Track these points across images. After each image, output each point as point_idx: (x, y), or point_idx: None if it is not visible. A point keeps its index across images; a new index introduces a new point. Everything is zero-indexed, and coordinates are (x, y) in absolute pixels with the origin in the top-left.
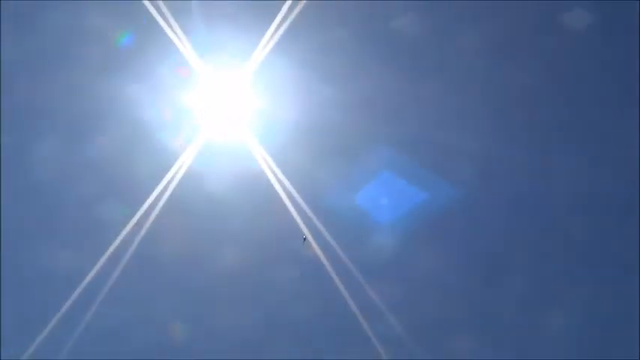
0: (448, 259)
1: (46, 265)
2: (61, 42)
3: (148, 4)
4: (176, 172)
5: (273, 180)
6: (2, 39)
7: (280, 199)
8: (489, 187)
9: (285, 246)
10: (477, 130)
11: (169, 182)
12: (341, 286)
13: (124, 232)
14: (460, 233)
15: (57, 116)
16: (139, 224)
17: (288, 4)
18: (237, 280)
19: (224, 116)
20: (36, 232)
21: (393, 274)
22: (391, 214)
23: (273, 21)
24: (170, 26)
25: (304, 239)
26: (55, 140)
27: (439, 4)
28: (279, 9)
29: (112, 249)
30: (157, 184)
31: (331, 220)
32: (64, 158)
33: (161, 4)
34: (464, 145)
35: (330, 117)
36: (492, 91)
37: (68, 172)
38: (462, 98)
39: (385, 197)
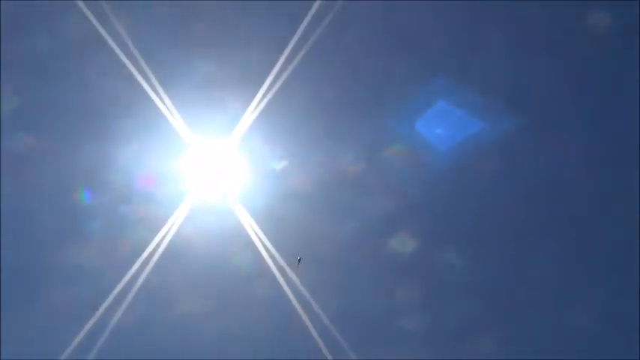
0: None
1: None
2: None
3: (136, 73)
4: (163, 237)
5: (258, 244)
6: None
7: (266, 264)
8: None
9: (273, 309)
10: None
11: (156, 247)
12: None
13: (112, 296)
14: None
15: (43, 176)
16: (127, 288)
17: (273, 74)
18: (225, 344)
19: (211, 182)
20: (19, 307)
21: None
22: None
23: (259, 88)
24: (159, 96)
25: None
26: (44, 202)
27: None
28: (265, 78)
29: (99, 313)
30: (144, 249)
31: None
32: (52, 221)
33: (150, 73)
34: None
35: (314, 183)
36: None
37: (60, 237)
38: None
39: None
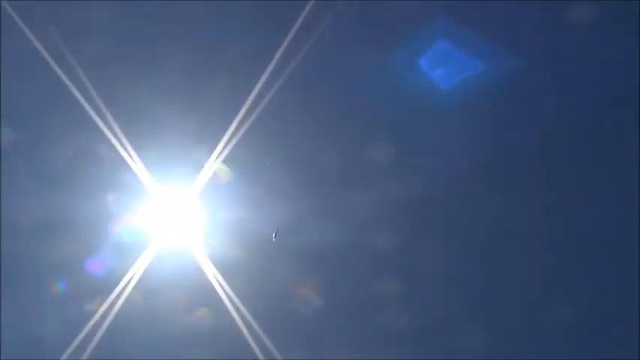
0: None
1: None
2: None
3: (98, 120)
4: (126, 284)
5: (221, 294)
6: None
7: (230, 315)
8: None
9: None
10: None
11: (120, 293)
12: None
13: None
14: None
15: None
16: (87, 338)
17: (239, 118)
18: None
19: (173, 230)
20: None
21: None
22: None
23: (223, 134)
24: (120, 142)
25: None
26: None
27: None
28: (229, 123)
29: None
30: (105, 299)
31: None
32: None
33: (111, 120)
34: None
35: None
36: None
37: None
38: None
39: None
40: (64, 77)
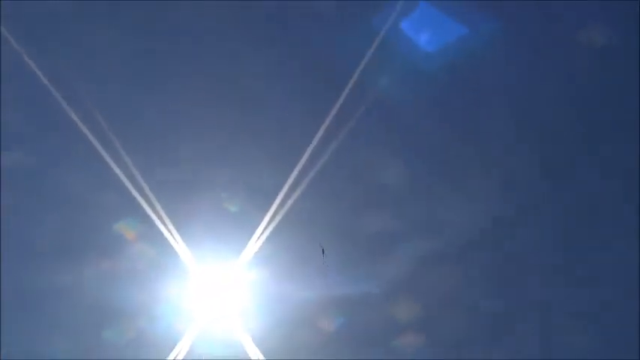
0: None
1: None
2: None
3: (139, 198)
4: None
5: None
6: None
7: None
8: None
9: None
10: None
11: None
12: None
13: None
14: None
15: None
16: None
17: (279, 199)
18: None
19: (215, 310)
20: None
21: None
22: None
23: (264, 217)
24: (162, 221)
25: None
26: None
27: None
28: (270, 205)
29: None
30: None
31: None
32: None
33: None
34: None
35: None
36: None
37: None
38: None
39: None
40: (110, 162)
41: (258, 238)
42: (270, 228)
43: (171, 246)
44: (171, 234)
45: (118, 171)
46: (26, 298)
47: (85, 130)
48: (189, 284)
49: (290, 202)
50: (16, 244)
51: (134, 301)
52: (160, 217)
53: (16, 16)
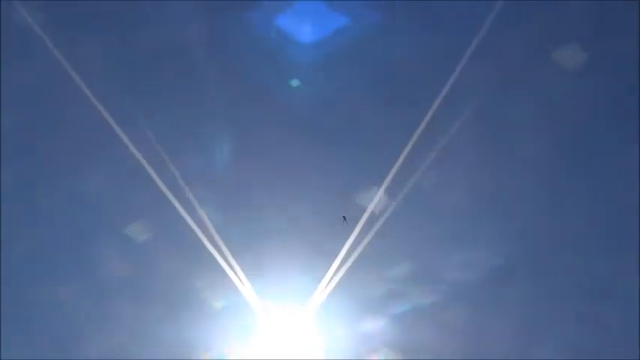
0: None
1: None
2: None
3: (206, 242)
4: None
5: None
6: None
7: None
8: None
9: None
10: None
11: None
12: None
13: None
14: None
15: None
16: None
17: (351, 240)
18: None
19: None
20: None
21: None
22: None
23: (335, 257)
24: (228, 263)
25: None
26: None
27: None
28: (342, 245)
29: None
30: None
31: None
32: None
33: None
34: None
35: None
36: None
37: None
38: None
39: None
40: (183, 213)
41: (328, 283)
42: (340, 273)
43: (239, 292)
44: (239, 279)
45: (185, 215)
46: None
47: (154, 176)
48: (258, 330)
49: (360, 247)
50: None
51: (205, 347)
52: (229, 264)
53: None
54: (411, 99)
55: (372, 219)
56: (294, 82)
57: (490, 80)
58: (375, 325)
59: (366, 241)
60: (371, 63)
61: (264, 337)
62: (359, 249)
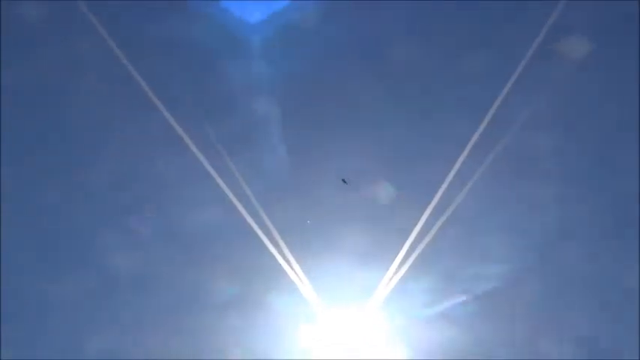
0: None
1: None
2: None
3: (264, 238)
4: None
5: None
6: None
7: None
8: None
9: None
10: None
11: None
12: None
13: None
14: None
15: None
16: None
17: (412, 237)
18: None
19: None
20: None
21: None
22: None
23: (397, 255)
24: (288, 262)
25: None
26: None
27: None
28: (403, 243)
29: None
30: None
31: None
32: None
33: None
34: None
35: None
36: None
37: None
38: None
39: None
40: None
41: (390, 280)
42: (403, 269)
43: (298, 290)
44: (298, 277)
45: (242, 210)
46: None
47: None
48: (319, 330)
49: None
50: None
51: (266, 348)
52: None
53: None
54: None
55: (436, 213)
56: None
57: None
58: (440, 324)
59: (428, 237)
60: None
61: (325, 336)
62: (422, 245)
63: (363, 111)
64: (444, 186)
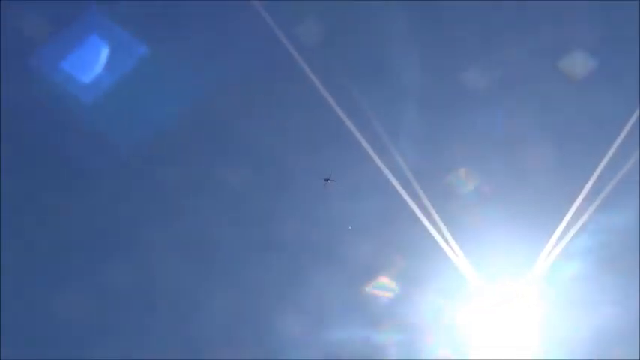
0: None
1: None
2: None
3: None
4: None
5: None
6: None
7: None
8: None
9: None
10: None
11: None
12: None
13: None
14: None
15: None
16: None
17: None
18: None
19: (501, 330)
20: None
21: None
22: None
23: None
24: (444, 238)
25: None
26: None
27: None
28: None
29: None
30: None
31: None
32: None
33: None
34: None
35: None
36: None
37: None
38: None
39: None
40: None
41: (549, 252)
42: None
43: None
44: (452, 249)
45: (392, 178)
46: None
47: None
48: (474, 302)
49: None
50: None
51: (422, 320)
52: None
53: None
54: None
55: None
56: None
57: None
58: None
59: (586, 215)
60: None
61: (482, 309)
62: (580, 222)
63: None
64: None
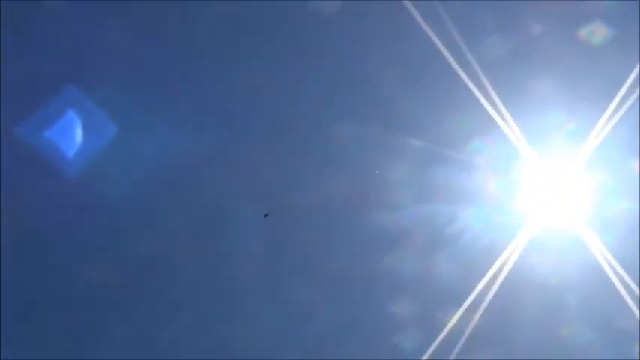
0: None
1: None
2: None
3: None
4: (502, 266)
5: (611, 276)
6: None
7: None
8: None
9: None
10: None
11: (494, 277)
12: None
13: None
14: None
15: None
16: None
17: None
18: None
19: (555, 205)
20: None
21: None
22: None
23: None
24: (498, 110)
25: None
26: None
27: None
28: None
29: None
30: (481, 276)
31: None
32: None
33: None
34: None
35: None
36: None
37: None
38: None
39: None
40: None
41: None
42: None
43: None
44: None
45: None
46: None
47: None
48: (522, 175)
49: None
50: None
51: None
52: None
53: None
54: None
55: None
56: None
57: None
58: None
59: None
60: None
61: (533, 185)
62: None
63: None
64: None
